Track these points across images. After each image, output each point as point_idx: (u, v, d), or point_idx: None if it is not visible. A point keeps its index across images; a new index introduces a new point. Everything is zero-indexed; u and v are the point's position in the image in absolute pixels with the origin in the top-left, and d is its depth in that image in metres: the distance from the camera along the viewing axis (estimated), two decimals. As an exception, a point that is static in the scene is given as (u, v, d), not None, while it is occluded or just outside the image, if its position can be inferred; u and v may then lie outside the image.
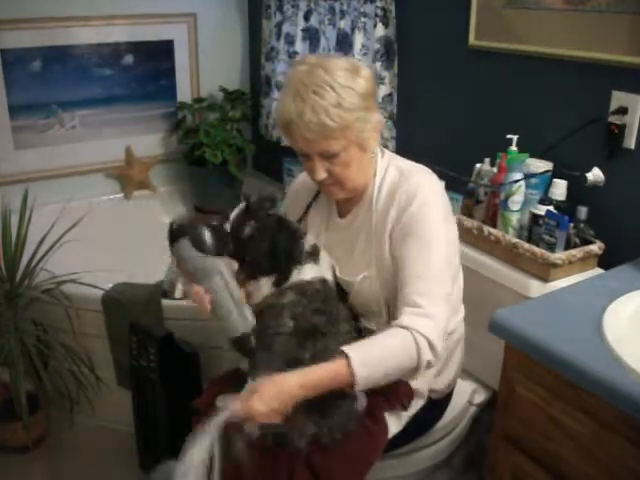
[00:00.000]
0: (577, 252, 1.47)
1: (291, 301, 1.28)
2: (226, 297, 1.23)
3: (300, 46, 2.46)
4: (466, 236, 1.62)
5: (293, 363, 1.19)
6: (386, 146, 2.04)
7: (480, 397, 1.68)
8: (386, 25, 2.05)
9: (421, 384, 1.39)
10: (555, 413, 1.10)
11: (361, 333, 1.34)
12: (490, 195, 1.66)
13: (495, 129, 1.74)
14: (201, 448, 1.07)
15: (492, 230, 1.59)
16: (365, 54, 2.14)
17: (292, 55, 2.49)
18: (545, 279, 1.47)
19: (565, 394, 1.08)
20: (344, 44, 2.23)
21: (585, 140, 1.55)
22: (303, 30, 2.44)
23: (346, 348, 1.14)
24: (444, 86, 1.98)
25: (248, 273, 1.31)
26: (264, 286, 1.32)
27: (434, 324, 1.18)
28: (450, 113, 1.98)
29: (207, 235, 1.24)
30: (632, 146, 1.47)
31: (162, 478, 1.11)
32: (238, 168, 2.79)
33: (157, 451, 1.87)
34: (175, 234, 1.25)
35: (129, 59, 2.72)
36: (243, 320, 1.24)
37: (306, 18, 2.42)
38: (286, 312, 1.27)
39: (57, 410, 2.08)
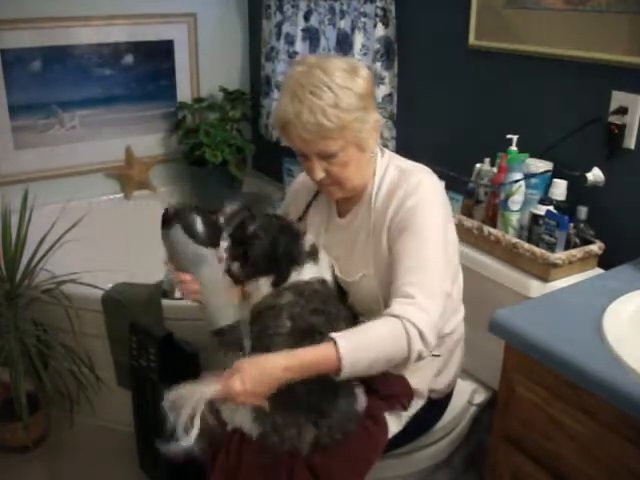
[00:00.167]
0: (577, 252, 1.47)
1: (289, 302, 1.28)
2: (211, 288, 1.25)
3: (300, 46, 2.46)
4: (466, 236, 1.62)
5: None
6: (386, 146, 2.04)
7: (480, 397, 1.68)
8: (386, 25, 2.05)
9: (421, 384, 1.39)
10: (555, 413, 1.10)
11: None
12: (490, 195, 1.66)
13: (495, 129, 1.74)
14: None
15: (492, 230, 1.59)
16: (365, 54, 2.14)
17: (292, 55, 2.49)
18: (545, 279, 1.47)
19: (565, 394, 1.08)
20: (344, 44, 2.23)
21: (585, 140, 1.55)
22: (303, 30, 2.44)
23: (334, 334, 1.12)
24: (444, 86, 1.98)
25: (248, 273, 1.31)
26: (263, 286, 1.32)
27: (426, 315, 1.15)
28: (450, 113, 1.98)
29: (200, 223, 1.25)
30: (632, 146, 1.47)
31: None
32: (238, 168, 2.79)
33: (157, 451, 1.87)
34: (168, 220, 1.25)
35: (129, 59, 2.72)
36: (226, 312, 1.25)
37: (306, 18, 2.42)
38: (285, 313, 1.27)
39: (57, 410, 2.08)
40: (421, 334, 1.14)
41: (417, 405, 1.41)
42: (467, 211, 1.72)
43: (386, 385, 1.33)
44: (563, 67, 1.59)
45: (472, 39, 1.81)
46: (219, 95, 2.92)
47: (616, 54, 1.45)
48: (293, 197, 1.51)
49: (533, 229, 1.54)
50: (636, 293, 1.20)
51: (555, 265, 1.44)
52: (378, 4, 2.04)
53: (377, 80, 2.06)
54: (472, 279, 1.51)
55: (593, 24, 1.49)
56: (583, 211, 1.52)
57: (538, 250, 1.47)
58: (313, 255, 1.34)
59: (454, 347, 1.45)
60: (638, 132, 1.45)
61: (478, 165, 1.73)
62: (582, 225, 1.51)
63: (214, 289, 1.26)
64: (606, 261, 1.49)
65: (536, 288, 1.46)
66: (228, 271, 1.31)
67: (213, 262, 1.26)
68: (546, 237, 1.49)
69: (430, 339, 1.15)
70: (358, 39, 2.14)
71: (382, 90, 2.09)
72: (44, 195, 2.42)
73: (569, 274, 1.47)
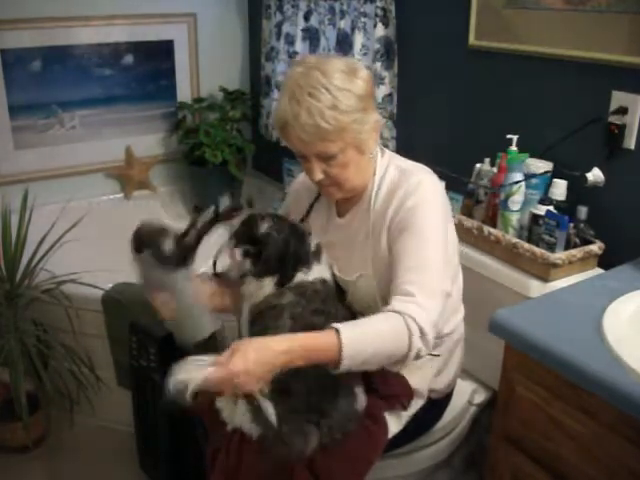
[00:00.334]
0: (577, 252, 1.47)
1: (290, 302, 1.28)
2: (185, 306, 1.31)
3: (300, 46, 2.46)
4: (466, 236, 1.62)
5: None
6: (386, 146, 2.04)
7: (480, 397, 1.68)
8: (386, 25, 2.05)
9: (421, 384, 1.39)
10: (555, 413, 1.10)
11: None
12: (490, 195, 1.66)
13: (495, 129, 1.74)
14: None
15: (492, 230, 1.59)
16: (365, 54, 2.14)
17: (292, 55, 2.49)
18: (545, 279, 1.47)
19: (565, 394, 1.08)
20: (344, 44, 2.23)
21: (585, 140, 1.55)
22: (303, 30, 2.44)
23: (337, 324, 1.11)
24: (444, 86, 1.98)
25: (260, 271, 1.31)
26: (267, 286, 1.32)
27: (426, 314, 1.15)
28: (450, 113, 1.98)
29: (169, 246, 1.29)
30: (632, 146, 1.47)
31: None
32: (238, 168, 2.79)
33: (157, 451, 1.87)
34: (138, 246, 1.30)
35: (129, 59, 2.72)
36: (203, 327, 1.34)
37: (306, 18, 2.42)
38: (286, 313, 1.27)
39: (57, 410, 2.08)
40: (422, 330, 1.14)
41: (417, 405, 1.41)
42: (467, 211, 1.72)
43: (386, 385, 1.34)
44: (563, 67, 1.59)
45: (472, 39, 1.81)
46: (219, 95, 2.92)
47: (616, 54, 1.45)
48: (294, 197, 1.51)
49: (533, 229, 1.54)
50: (636, 293, 1.20)
51: (555, 265, 1.44)
52: (378, 4, 2.04)
53: (377, 80, 2.06)
54: (472, 279, 1.51)
55: (593, 24, 1.50)
56: (583, 211, 1.52)
57: (538, 250, 1.47)
58: (318, 255, 1.34)
59: (454, 347, 1.45)
60: (638, 132, 1.45)
61: (478, 165, 1.73)
62: (582, 225, 1.51)
63: (188, 307, 1.32)
64: (606, 261, 1.49)
65: (536, 288, 1.46)
66: (228, 271, 1.31)
67: (185, 283, 1.31)
68: (546, 237, 1.49)
69: (430, 337, 1.15)
70: (358, 39, 2.13)
71: (382, 90, 2.09)
72: (44, 195, 2.42)
73: (569, 274, 1.47)
